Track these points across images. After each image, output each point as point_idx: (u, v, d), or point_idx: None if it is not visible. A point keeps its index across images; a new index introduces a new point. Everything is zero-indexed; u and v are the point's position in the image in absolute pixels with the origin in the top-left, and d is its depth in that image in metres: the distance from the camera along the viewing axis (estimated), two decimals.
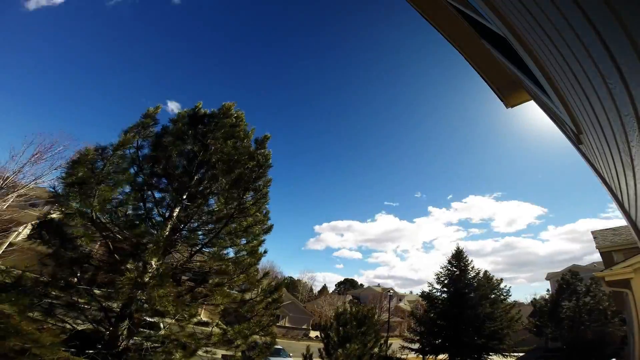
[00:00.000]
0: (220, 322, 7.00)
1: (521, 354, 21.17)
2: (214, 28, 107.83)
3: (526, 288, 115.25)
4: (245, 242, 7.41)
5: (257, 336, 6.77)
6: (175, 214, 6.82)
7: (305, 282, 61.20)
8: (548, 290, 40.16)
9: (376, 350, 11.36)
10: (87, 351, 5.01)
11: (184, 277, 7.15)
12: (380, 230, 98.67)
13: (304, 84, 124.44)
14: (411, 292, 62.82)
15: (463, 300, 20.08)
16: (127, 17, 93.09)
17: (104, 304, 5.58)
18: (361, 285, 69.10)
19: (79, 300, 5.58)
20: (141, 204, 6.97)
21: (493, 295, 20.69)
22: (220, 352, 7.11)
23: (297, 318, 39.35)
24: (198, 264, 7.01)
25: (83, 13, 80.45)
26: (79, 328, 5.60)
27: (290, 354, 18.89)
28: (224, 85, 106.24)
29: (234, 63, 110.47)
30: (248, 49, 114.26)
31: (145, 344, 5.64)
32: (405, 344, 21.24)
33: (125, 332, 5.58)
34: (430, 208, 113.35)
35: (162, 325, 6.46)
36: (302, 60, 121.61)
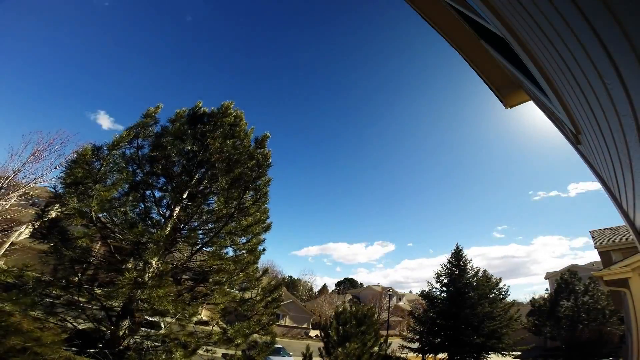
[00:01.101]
0: (220, 321, 7.01)
1: (520, 353, 21.22)
2: (211, 27, 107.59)
3: (525, 288, 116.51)
4: (244, 241, 7.43)
5: (257, 335, 6.79)
6: (175, 214, 6.83)
7: (305, 282, 61.26)
8: (547, 289, 40.34)
9: (376, 349, 11.38)
10: (88, 350, 5.03)
11: (184, 277, 7.16)
12: (347, 251, 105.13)
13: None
14: (410, 292, 62.93)
15: (462, 299, 20.11)
16: (124, 17, 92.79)
17: (104, 303, 5.59)
18: (361, 284, 69.14)
19: (80, 299, 5.59)
20: (141, 203, 6.98)
21: (492, 295, 20.72)
22: (220, 351, 7.13)
23: (297, 317, 39.39)
24: (198, 263, 7.02)
25: (78, 11, 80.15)
26: (80, 327, 5.61)
27: (291, 353, 18.94)
28: (211, 86, 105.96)
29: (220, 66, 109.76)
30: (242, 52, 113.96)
31: (146, 343, 5.66)
32: (405, 343, 21.27)
33: (126, 331, 5.59)
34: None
35: (162, 324, 6.48)
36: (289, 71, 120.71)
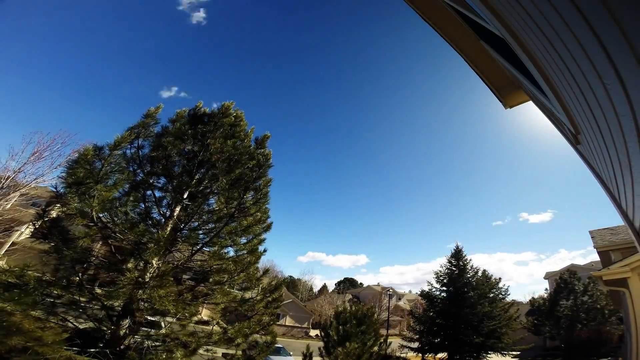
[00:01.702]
0: (220, 321, 7.02)
1: (519, 353, 21.25)
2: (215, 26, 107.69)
3: (524, 287, 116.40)
4: (245, 241, 7.43)
5: (258, 335, 6.79)
6: (175, 214, 6.84)
7: (306, 282, 61.29)
8: (546, 289, 40.39)
9: (376, 349, 11.40)
10: (88, 350, 5.03)
11: (184, 276, 7.17)
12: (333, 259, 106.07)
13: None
14: (410, 291, 62.97)
15: (462, 299, 20.13)
16: (127, 15, 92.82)
17: (105, 303, 5.59)
18: (361, 284, 69.15)
19: (81, 299, 5.60)
20: (142, 203, 6.98)
21: (492, 294, 20.74)
22: (220, 351, 7.14)
23: (297, 317, 39.40)
24: (199, 263, 7.03)
25: (80, 9, 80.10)
26: (81, 327, 5.61)
27: (291, 353, 18.94)
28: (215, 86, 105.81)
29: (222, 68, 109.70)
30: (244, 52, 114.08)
31: (146, 342, 5.66)
32: (405, 343, 21.29)
33: (126, 331, 5.60)
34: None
35: (163, 324, 6.48)
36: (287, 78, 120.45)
